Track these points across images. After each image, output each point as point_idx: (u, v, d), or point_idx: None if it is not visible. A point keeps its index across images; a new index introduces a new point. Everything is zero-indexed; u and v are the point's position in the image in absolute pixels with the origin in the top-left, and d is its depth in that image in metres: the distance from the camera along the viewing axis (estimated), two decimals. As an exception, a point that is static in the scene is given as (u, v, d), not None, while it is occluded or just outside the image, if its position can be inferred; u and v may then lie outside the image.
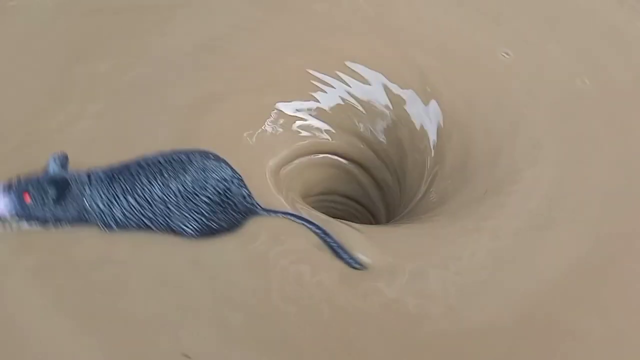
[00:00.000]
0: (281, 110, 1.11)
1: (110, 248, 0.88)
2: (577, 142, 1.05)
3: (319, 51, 1.15)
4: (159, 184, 0.85)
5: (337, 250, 0.89)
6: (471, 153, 1.06)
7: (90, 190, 0.85)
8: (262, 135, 1.08)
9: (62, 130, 1.00)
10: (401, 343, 0.82)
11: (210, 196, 0.86)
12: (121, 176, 0.85)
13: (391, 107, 1.14)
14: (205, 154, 0.88)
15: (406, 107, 1.13)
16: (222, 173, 0.87)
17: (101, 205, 0.85)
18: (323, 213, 1.01)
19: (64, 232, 0.88)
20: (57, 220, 0.87)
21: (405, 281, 0.88)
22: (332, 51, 1.15)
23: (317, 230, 0.91)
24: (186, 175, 0.85)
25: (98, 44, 1.13)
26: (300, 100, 1.12)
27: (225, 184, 0.87)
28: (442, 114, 1.11)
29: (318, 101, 1.13)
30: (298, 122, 1.12)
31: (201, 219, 0.86)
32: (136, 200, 0.85)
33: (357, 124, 1.14)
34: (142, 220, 0.86)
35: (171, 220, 0.86)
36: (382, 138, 1.15)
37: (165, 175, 0.85)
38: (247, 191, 0.90)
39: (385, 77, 1.14)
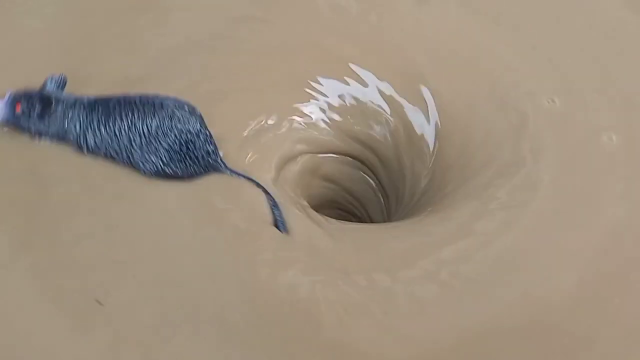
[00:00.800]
0: (281, 110, 1.11)
1: (110, 248, 0.88)
2: (579, 143, 1.05)
3: (319, 51, 1.15)
4: (128, 122, 0.91)
5: (278, 224, 0.93)
6: (471, 153, 1.06)
7: (72, 114, 0.93)
8: (262, 133, 1.08)
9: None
10: (399, 343, 0.83)
11: (171, 144, 0.91)
12: (101, 107, 0.93)
13: (391, 107, 1.13)
14: (180, 104, 0.93)
15: (406, 108, 1.13)
16: (189, 125, 0.92)
17: (78, 129, 0.93)
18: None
19: (64, 229, 0.89)
20: (39, 134, 0.96)
21: (403, 281, 0.88)
22: (331, 51, 1.15)
23: (270, 201, 0.95)
24: (153, 119, 0.91)
25: (97, 44, 1.13)
26: (300, 99, 1.12)
27: (190, 136, 0.92)
28: (442, 114, 1.11)
29: (317, 101, 1.13)
30: (297, 122, 1.12)
31: (158, 163, 0.92)
32: (107, 132, 0.92)
33: (356, 124, 1.14)
34: (109, 152, 0.93)
35: (132, 158, 0.92)
36: (381, 138, 1.14)
37: (135, 115, 0.91)
38: (213, 148, 0.94)
39: (385, 77, 1.14)
